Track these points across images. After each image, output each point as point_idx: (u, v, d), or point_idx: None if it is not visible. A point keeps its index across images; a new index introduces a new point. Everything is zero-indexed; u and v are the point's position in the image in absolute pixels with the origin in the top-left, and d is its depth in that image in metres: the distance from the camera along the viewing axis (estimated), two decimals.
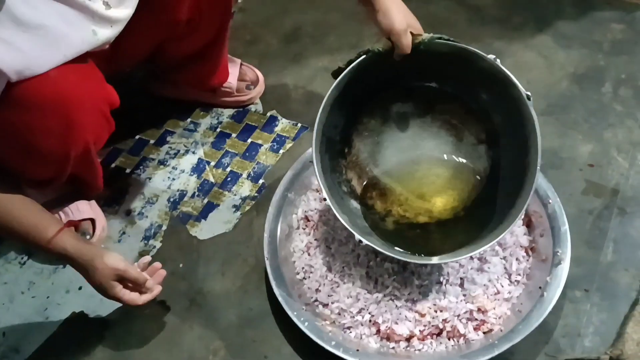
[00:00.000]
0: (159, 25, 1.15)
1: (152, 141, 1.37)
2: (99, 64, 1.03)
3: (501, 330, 0.96)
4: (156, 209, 1.25)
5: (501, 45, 1.44)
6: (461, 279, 1.02)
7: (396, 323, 0.99)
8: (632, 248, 1.09)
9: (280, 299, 1.02)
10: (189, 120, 1.40)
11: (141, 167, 1.33)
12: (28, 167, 1.02)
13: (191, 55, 1.28)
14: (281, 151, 1.32)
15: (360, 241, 0.95)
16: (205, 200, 1.26)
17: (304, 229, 1.14)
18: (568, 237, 1.02)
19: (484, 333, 0.97)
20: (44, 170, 1.04)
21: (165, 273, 1.05)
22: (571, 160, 1.22)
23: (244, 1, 1.60)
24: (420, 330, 0.98)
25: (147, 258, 1.04)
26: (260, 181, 1.27)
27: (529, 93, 0.93)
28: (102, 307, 1.12)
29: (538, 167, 0.92)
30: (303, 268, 1.09)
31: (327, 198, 0.96)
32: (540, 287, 0.99)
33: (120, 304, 1.08)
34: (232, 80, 1.37)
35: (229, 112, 1.40)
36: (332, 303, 1.04)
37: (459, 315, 0.99)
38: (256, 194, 1.25)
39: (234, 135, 1.36)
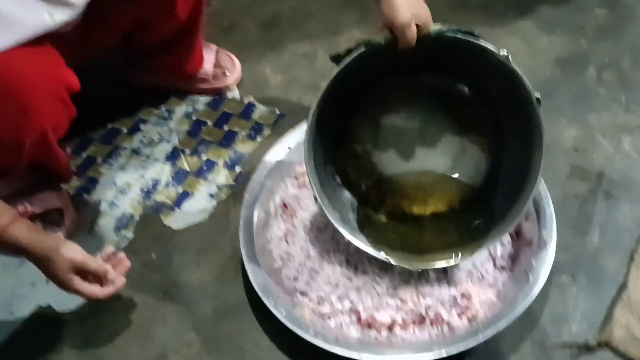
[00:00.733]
0: (129, 8, 1.10)
1: (125, 130, 1.32)
2: (66, 48, 0.99)
3: (486, 316, 0.93)
4: (129, 198, 1.21)
5: (483, 32, 1.36)
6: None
7: (377, 310, 0.96)
8: (619, 232, 1.06)
9: (256, 288, 0.98)
10: (163, 108, 1.36)
11: (113, 156, 1.28)
12: None
13: (166, 41, 1.24)
14: (259, 138, 1.28)
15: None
16: (180, 189, 1.21)
17: (282, 216, 1.10)
18: (553, 220, 1.00)
19: (468, 319, 0.94)
20: None
21: (130, 264, 0.99)
22: (556, 145, 1.19)
23: None
24: (402, 318, 0.94)
25: (111, 248, 1.00)
26: (237, 169, 1.23)
27: (539, 95, 0.89)
28: (70, 300, 1.06)
29: (540, 171, 0.90)
30: (281, 256, 1.05)
31: (317, 198, 0.94)
32: (525, 272, 0.96)
33: None
34: (208, 66, 1.33)
35: (205, 99, 1.36)
36: (311, 291, 1.00)
37: (442, 302, 0.95)
38: (233, 182, 1.21)
39: (210, 122, 1.32)
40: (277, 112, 1.32)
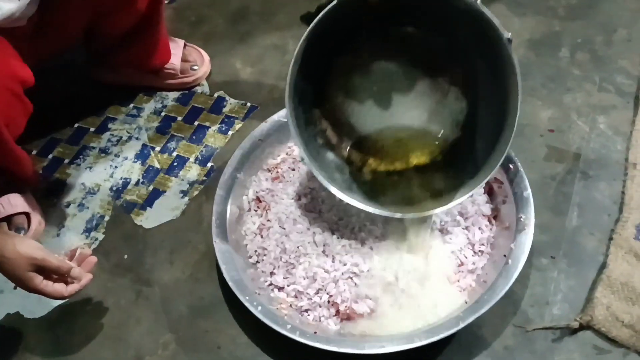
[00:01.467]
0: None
1: (92, 129, 1.29)
2: (23, 43, 0.95)
3: (466, 302, 0.91)
4: (98, 199, 1.17)
5: None
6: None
7: (356, 302, 0.93)
8: (597, 211, 1.05)
9: (231, 284, 0.95)
10: (131, 105, 1.32)
11: (81, 156, 1.24)
12: None
13: (127, 33, 1.21)
14: (230, 132, 1.25)
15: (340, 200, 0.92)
16: (151, 187, 1.18)
17: (256, 210, 1.07)
18: (531, 202, 0.98)
19: None
20: None
21: (96, 259, 0.96)
22: (531, 127, 1.18)
23: None
24: (381, 308, 0.92)
25: (76, 245, 0.95)
26: (209, 164, 1.20)
27: (509, 36, 0.86)
28: (40, 306, 1.03)
29: (518, 112, 0.89)
30: (256, 251, 1.02)
31: (304, 157, 0.92)
32: (504, 255, 0.94)
33: (60, 301, 1.00)
34: (176, 61, 1.30)
35: (174, 95, 1.33)
36: (288, 286, 0.97)
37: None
38: (205, 178, 1.18)
39: (179, 118, 1.28)
40: (248, 104, 1.29)
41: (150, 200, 1.16)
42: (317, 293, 0.95)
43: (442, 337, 0.86)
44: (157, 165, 1.21)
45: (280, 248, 1.01)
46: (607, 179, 1.09)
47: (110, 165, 1.22)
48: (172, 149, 1.23)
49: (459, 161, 1.00)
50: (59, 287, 0.89)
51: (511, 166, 1.02)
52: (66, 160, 1.24)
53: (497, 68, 0.91)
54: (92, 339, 1.00)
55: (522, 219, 0.96)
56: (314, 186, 1.06)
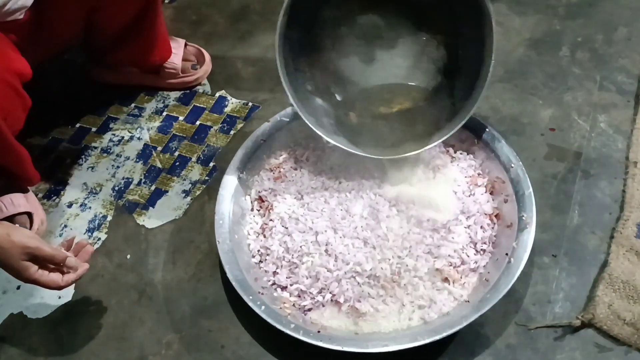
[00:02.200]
0: None
1: (94, 129, 1.29)
2: (21, 39, 0.95)
3: (469, 301, 0.92)
4: (100, 199, 1.17)
5: None
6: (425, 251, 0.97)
7: (359, 301, 0.94)
8: (598, 210, 1.06)
9: (234, 283, 0.95)
10: (133, 105, 1.32)
11: (83, 156, 1.24)
12: None
13: (124, 30, 1.21)
14: (232, 132, 1.25)
15: (327, 142, 0.99)
16: (153, 187, 1.18)
17: (259, 210, 1.08)
18: (532, 201, 0.98)
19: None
20: None
21: (93, 249, 0.95)
22: (532, 126, 1.18)
23: None
24: (384, 307, 0.92)
25: (72, 235, 0.94)
26: (211, 164, 1.20)
27: None
28: (42, 307, 1.03)
29: (493, 58, 0.96)
30: (259, 251, 1.03)
31: (293, 103, 0.98)
32: (506, 254, 0.94)
33: (63, 302, 1.01)
34: (176, 60, 1.30)
35: (175, 94, 1.33)
36: (291, 285, 0.98)
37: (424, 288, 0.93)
38: (207, 178, 1.18)
39: (181, 118, 1.28)
40: (250, 104, 1.29)
41: (152, 200, 1.16)
42: (320, 292, 0.96)
43: (445, 336, 0.87)
44: (159, 165, 1.21)
45: (283, 247, 1.01)
46: (608, 178, 1.09)
47: (112, 165, 1.22)
48: (173, 148, 1.23)
49: (438, 105, 1.05)
50: (55, 277, 0.87)
51: (512, 165, 1.03)
52: (68, 161, 1.24)
53: (475, 17, 0.96)
54: (95, 339, 1.00)
55: (523, 218, 0.97)
56: (317, 186, 1.07)
